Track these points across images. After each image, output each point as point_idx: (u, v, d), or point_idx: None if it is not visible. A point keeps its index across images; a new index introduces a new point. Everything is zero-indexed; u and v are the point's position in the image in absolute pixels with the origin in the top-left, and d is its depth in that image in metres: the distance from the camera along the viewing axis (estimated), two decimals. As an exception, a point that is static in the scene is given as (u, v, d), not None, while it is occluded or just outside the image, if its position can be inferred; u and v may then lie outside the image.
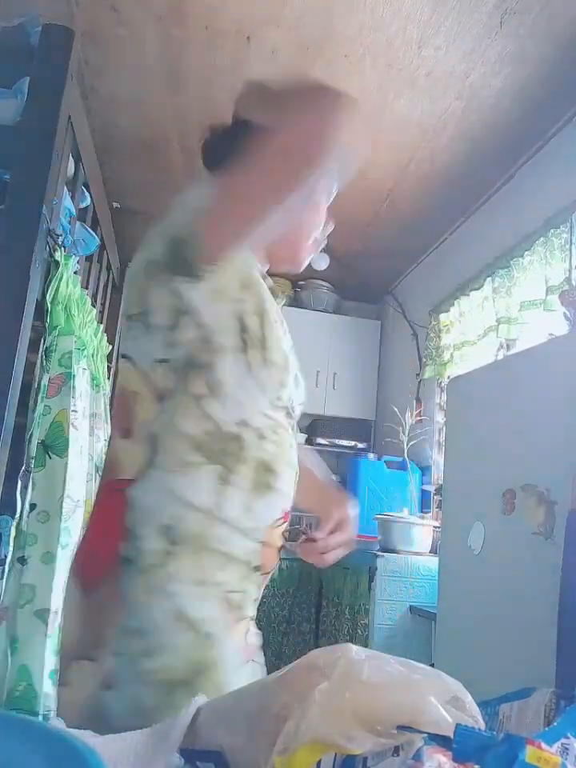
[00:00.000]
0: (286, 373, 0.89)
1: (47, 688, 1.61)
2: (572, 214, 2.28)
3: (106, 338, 2.40)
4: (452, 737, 0.40)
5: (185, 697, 0.65)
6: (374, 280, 4.16)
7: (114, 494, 0.80)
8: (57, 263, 1.77)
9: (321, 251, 1.17)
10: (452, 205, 3.16)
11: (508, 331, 2.62)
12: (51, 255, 1.76)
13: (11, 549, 1.69)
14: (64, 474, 1.72)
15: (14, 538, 1.67)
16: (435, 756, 0.41)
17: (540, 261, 2.44)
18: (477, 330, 2.91)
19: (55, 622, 1.64)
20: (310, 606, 3.37)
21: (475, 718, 0.47)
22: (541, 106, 2.41)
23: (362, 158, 0.77)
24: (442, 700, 0.46)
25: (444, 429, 3.17)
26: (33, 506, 1.69)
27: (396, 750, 0.43)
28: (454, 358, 3.13)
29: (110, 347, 2.54)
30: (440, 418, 3.37)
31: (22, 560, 1.65)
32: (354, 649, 0.50)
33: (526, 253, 2.54)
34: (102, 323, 2.60)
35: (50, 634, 1.62)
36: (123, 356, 0.87)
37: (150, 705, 0.71)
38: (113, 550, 0.76)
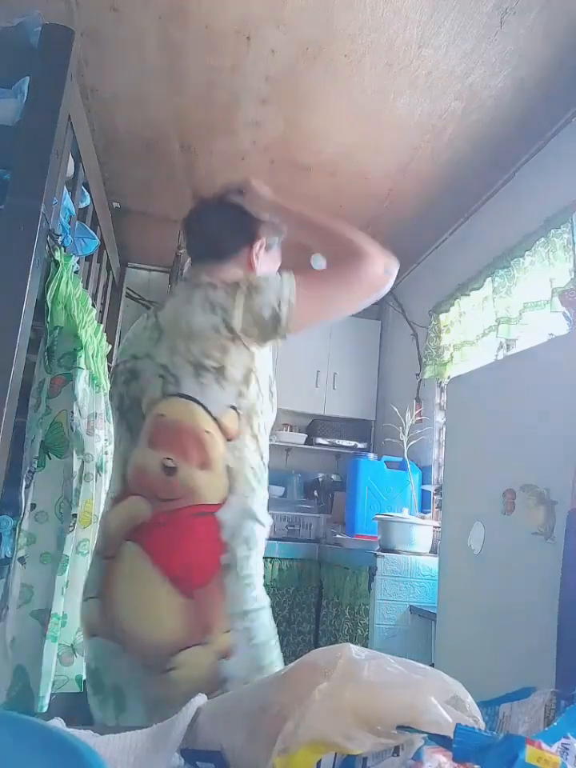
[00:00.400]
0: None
1: (44, 689, 1.59)
2: (572, 214, 2.28)
3: (105, 337, 2.39)
4: (452, 737, 0.40)
5: (273, 652, 1.03)
6: (374, 280, 4.14)
7: (204, 518, 1.02)
8: (56, 263, 1.77)
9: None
10: (452, 205, 3.16)
11: (508, 331, 2.62)
12: (51, 255, 1.75)
13: (12, 548, 1.68)
14: (63, 474, 1.72)
15: (17, 537, 1.67)
16: (435, 756, 0.41)
17: (541, 261, 2.44)
18: (477, 330, 2.90)
19: (49, 622, 1.63)
20: (310, 606, 3.37)
21: (475, 718, 0.47)
22: (540, 106, 2.42)
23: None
24: (442, 700, 0.46)
25: (444, 429, 3.17)
26: (33, 506, 1.68)
27: (396, 750, 0.43)
28: (454, 358, 3.13)
29: (110, 347, 2.53)
30: (440, 418, 3.37)
31: (22, 560, 1.65)
32: (354, 649, 0.50)
33: (527, 253, 2.54)
34: (102, 323, 2.59)
35: (47, 635, 1.61)
36: (186, 396, 1.05)
37: (261, 661, 1.00)
38: (217, 561, 1.00)
